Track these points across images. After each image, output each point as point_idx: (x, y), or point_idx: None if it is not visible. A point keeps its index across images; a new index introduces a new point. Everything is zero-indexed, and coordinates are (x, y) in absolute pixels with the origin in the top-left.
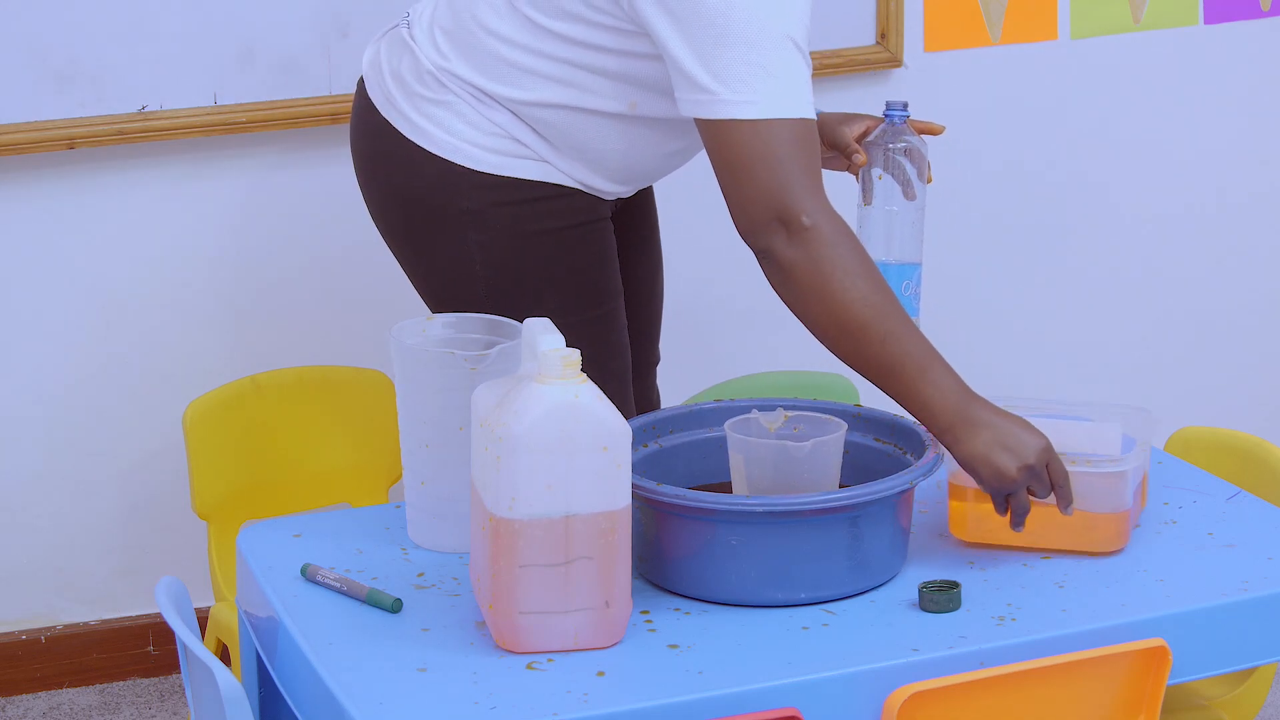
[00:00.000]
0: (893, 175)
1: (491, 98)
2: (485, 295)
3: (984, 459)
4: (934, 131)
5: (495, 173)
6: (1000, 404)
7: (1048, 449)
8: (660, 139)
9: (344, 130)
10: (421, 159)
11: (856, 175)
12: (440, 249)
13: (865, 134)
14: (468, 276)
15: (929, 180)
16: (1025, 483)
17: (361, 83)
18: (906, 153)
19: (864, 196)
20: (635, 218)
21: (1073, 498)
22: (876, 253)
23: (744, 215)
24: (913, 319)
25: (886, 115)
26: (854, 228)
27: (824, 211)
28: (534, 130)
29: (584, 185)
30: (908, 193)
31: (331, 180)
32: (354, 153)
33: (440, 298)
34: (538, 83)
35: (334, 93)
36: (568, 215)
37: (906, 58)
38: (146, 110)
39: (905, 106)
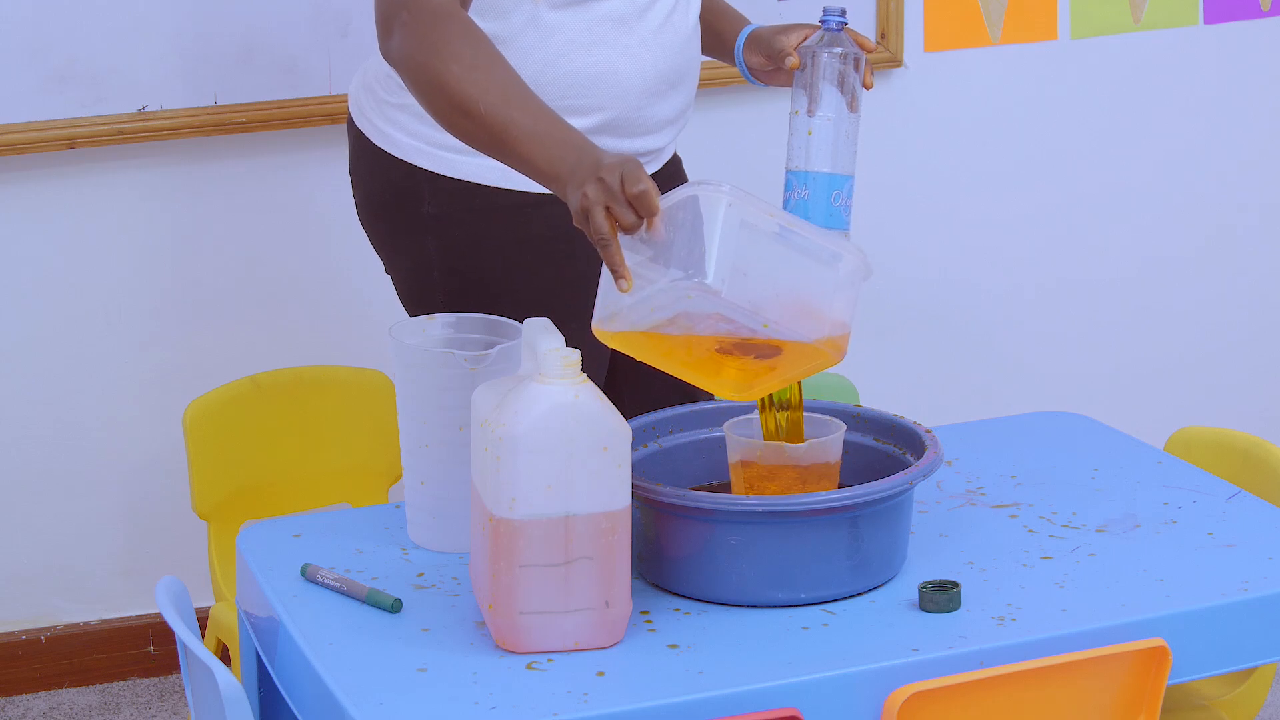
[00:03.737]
0: (830, 82)
1: None
2: (443, 304)
3: (573, 191)
4: (867, 48)
5: (459, 177)
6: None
7: (625, 161)
8: (597, 23)
9: (344, 130)
10: (388, 164)
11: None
12: (405, 254)
13: (803, 42)
14: (428, 284)
15: (869, 85)
16: (600, 200)
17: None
18: (844, 58)
19: (806, 106)
20: None
21: (654, 209)
22: (814, 164)
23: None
24: (534, 96)
25: (823, 22)
26: (789, 137)
27: (416, 4)
28: None
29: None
30: (848, 102)
31: (331, 180)
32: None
33: (408, 306)
34: None
35: (334, 93)
36: (538, 226)
37: (906, 58)
38: (146, 110)
39: (843, 13)
